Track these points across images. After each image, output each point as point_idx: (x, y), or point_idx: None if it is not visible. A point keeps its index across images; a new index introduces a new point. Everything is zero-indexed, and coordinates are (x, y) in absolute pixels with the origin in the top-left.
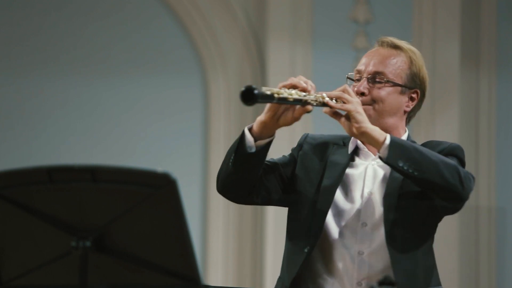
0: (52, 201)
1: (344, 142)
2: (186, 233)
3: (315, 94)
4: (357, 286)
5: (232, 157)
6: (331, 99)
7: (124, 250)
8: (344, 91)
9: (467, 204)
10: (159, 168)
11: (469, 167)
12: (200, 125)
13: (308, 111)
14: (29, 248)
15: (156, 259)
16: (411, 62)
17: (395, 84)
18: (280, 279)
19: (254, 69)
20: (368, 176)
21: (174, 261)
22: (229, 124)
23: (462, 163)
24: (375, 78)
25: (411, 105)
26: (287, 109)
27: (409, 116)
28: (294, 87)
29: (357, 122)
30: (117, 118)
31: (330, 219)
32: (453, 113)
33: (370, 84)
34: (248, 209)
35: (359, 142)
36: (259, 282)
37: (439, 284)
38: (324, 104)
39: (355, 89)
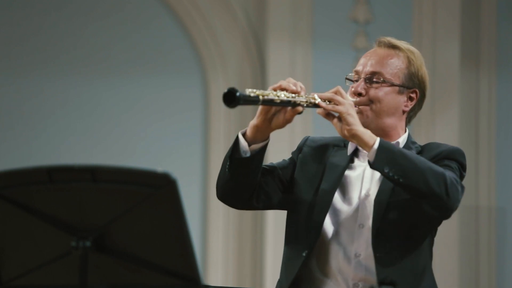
0: (52, 201)
1: (344, 143)
2: (186, 233)
3: (306, 96)
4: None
5: (228, 163)
6: (324, 100)
7: (124, 250)
8: (336, 92)
9: (467, 204)
10: (159, 168)
11: (469, 167)
12: (200, 125)
13: (299, 112)
14: (29, 248)
15: (156, 259)
16: (409, 61)
17: (392, 84)
18: (279, 282)
19: (254, 69)
20: (366, 177)
21: (174, 261)
22: (229, 124)
23: (462, 166)
24: (373, 78)
25: (410, 105)
26: (279, 112)
27: (409, 116)
28: (284, 89)
29: (348, 124)
30: (117, 118)
31: (327, 220)
32: (453, 113)
33: (368, 85)
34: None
35: None
36: (259, 282)
37: (433, 285)
38: (316, 105)
39: (353, 89)
